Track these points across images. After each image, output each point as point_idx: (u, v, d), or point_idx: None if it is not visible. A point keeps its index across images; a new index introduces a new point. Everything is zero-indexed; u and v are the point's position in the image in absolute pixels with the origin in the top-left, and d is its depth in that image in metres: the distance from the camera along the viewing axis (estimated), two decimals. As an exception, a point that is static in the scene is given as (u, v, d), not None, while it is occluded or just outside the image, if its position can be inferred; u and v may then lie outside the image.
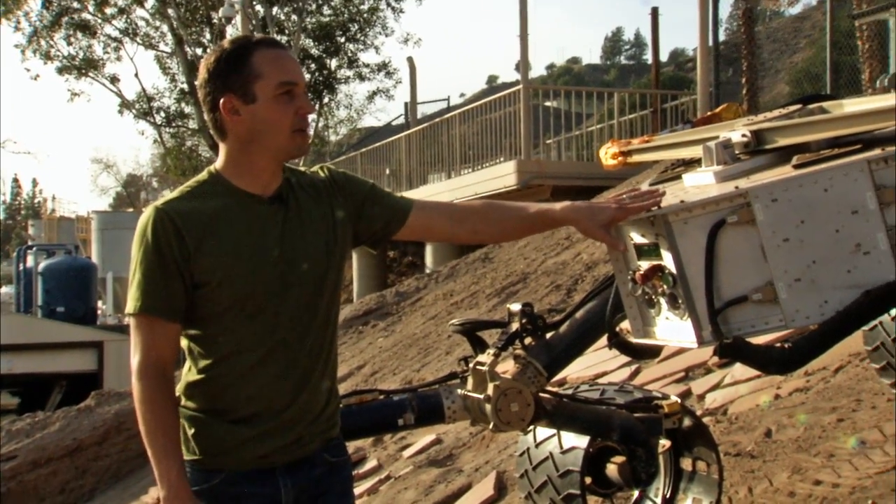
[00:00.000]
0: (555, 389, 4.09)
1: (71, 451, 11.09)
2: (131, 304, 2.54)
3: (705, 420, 4.91)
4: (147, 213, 2.54)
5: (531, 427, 4.11)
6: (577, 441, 4.12)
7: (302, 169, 2.80)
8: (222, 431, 2.61)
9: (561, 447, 4.17)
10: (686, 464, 4.32)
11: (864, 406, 5.04)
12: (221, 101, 2.51)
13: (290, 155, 2.61)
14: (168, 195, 2.64)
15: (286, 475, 2.66)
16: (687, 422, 4.30)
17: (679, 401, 4.34)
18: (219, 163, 2.63)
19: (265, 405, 2.62)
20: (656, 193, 2.81)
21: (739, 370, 6.11)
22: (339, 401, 2.93)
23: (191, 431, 2.60)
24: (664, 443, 4.25)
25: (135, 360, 2.52)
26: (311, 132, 3.32)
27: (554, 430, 4.16)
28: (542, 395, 3.87)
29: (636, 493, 4.42)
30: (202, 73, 2.57)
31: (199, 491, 2.56)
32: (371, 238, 2.86)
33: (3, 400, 19.23)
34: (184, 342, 2.64)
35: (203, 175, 2.65)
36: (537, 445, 4.26)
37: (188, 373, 2.65)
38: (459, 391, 3.89)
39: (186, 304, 2.55)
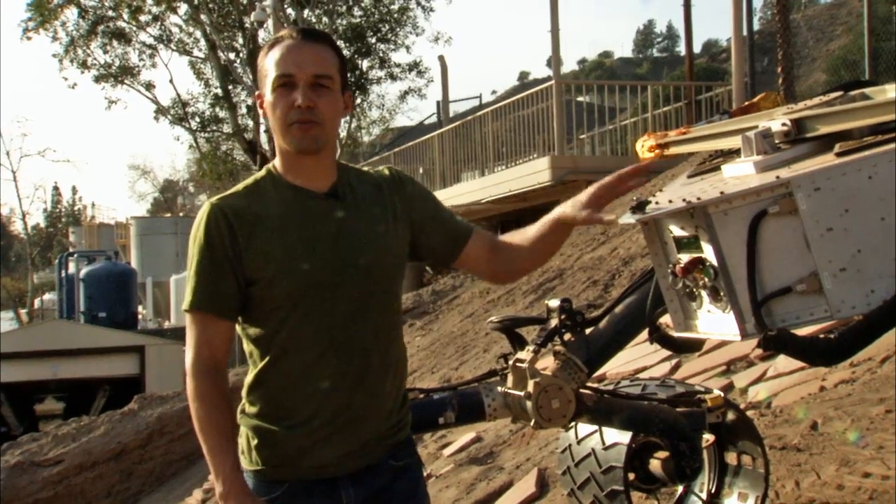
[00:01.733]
0: (595, 385, 4.07)
1: (116, 455, 11.19)
2: (186, 299, 2.55)
3: (749, 413, 4.86)
4: (203, 209, 2.56)
5: (572, 424, 4.10)
6: (620, 437, 4.11)
7: (365, 168, 2.79)
8: (282, 438, 2.58)
9: (603, 443, 4.16)
10: (731, 458, 4.30)
11: (907, 407, 4.99)
12: (257, 96, 2.62)
13: (294, 150, 2.56)
14: (227, 191, 2.65)
15: (349, 485, 2.62)
16: (731, 415, 4.27)
17: (722, 394, 4.31)
18: (277, 159, 2.65)
19: (321, 406, 2.57)
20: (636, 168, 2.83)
21: (783, 362, 6.06)
22: (408, 402, 2.86)
23: (253, 442, 2.59)
24: (708, 437, 4.23)
25: (188, 356, 2.53)
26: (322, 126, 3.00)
27: (595, 427, 4.15)
28: (582, 391, 3.85)
29: (680, 489, 4.40)
30: None
31: None
32: (429, 256, 2.86)
33: (48, 405, 19.41)
34: (246, 346, 2.62)
35: (262, 172, 2.66)
36: (579, 442, 4.25)
37: (249, 376, 2.62)
38: (499, 388, 3.88)
39: (241, 301, 2.54)
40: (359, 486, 2.63)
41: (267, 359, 2.57)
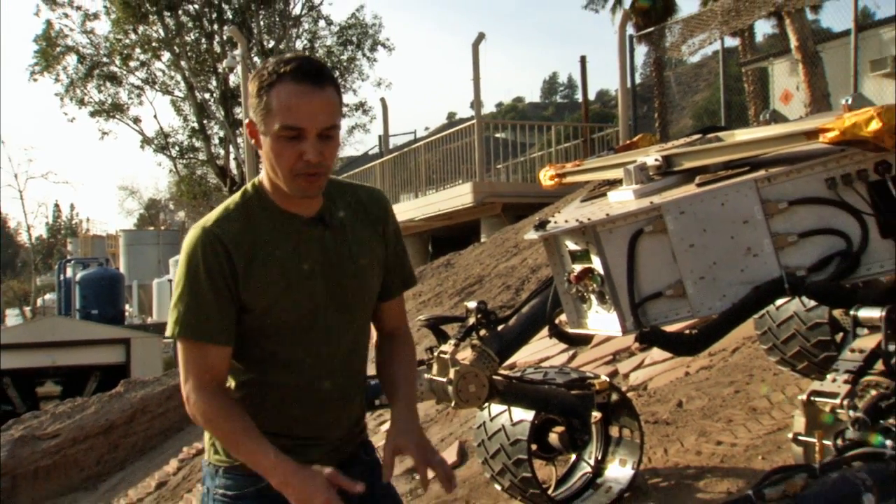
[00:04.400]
0: (505, 372, 4.08)
1: (105, 430, 11.02)
2: (179, 328, 2.08)
3: (629, 395, 4.91)
4: (195, 235, 2.12)
5: (486, 404, 4.11)
6: (525, 415, 4.11)
7: (356, 184, 2.35)
8: None
9: (511, 420, 4.16)
10: (614, 431, 4.34)
11: (755, 380, 5.08)
12: (246, 121, 2.11)
13: (298, 196, 2.10)
14: (214, 214, 2.16)
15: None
16: (614, 397, 4.32)
17: (608, 380, 4.36)
18: (262, 174, 2.17)
19: (296, 423, 2.22)
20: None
21: (657, 353, 6.13)
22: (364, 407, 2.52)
23: None
24: (596, 414, 4.26)
25: (187, 385, 2.09)
26: (326, 174, 2.13)
27: (505, 406, 4.15)
28: (495, 377, 3.86)
29: (574, 457, 4.42)
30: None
31: (247, 493, 2.17)
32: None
33: (48, 388, 19.17)
34: None
35: (249, 189, 2.18)
36: (492, 419, 4.25)
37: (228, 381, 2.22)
38: (426, 375, 3.87)
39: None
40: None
41: (245, 375, 2.20)
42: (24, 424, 11.43)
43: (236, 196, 2.19)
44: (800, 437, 2.52)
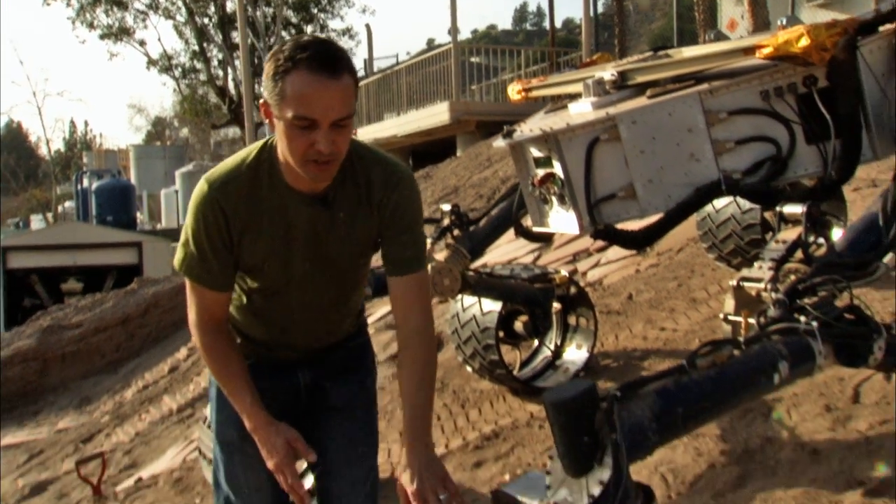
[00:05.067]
0: (477, 268, 4.13)
1: (122, 321, 11.08)
2: (185, 267, 2.05)
3: (586, 289, 4.99)
4: (201, 192, 2.00)
5: (459, 296, 4.16)
6: (493, 305, 4.16)
7: (378, 158, 2.09)
8: (244, 343, 2.21)
9: (481, 310, 4.21)
10: (571, 320, 4.41)
11: (696, 275, 5.16)
12: (261, 100, 1.91)
13: (309, 180, 1.95)
14: (222, 171, 2.02)
15: (306, 369, 2.26)
16: (572, 290, 4.38)
17: (567, 275, 4.42)
18: (279, 151, 1.97)
19: (283, 345, 2.22)
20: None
21: (612, 253, 6.21)
22: (364, 313, 2.43)
23: None
24: (556, 305, 4.34)
25: (191, 316, 2.07)
26: (337, 161, 1.88)
27: (476, 298, 4.20)
28: (467, 272, 3.91)
29: (536, 342, 4.50)
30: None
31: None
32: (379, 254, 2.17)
33: (71, 285, 19.29)
34: None
35: (262, 156, 2.01)
36: (464, 310, 4.30)
37: None
38: (406, 270, 3.92)
39: (234, 271, 2.07)
40: (315, 367, 2.26)
41: (237, 301, 2.16)
42: (50, 316, 11.49)
43: (250, 158, 2.01)
44: (729, 318, 2.59)
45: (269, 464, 2.00)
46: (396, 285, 2.11)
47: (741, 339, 1.94)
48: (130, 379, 9.71)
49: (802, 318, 1.99)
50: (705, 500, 2.92)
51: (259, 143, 2.05)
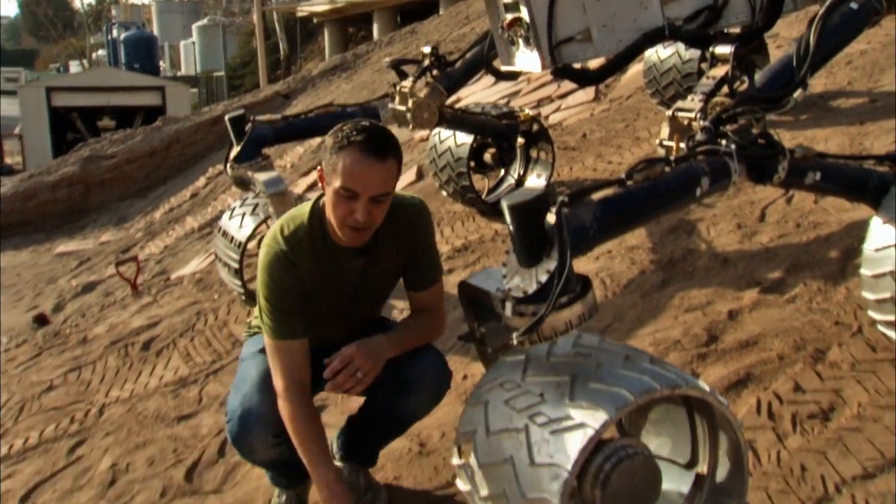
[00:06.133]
0: (452, 104, 4.06)
1: (149, 154, 10.95)
2: (278, 332, 1.93)
3: (548, 129, 4.95)
4: (273, 251, 1.94)
5: (437, 130, 4.12)
6: (466, 138, 4.14)
7: (398, 201, 2.00)
8: None
9: (455, 143, 4.19)
10: (533, 153, 4.38)
11: (641, 118, 5.12)
12: (320, 166, 1.90)
13: (344, 243, 1.93)
14: (286, 233, 1.96)
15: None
16: (535, 127, 4.33)
17: (531, 113, 4.36)
18: (326, 208, 1.93)
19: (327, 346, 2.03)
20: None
21: (571, 100, 6.12)
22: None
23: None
24: (520, 140, 4.30)
25: (280, 384, 1.92)
26: (371, 229, 1.92)
27: (451, 132, 4.17)
28: (443, 108, 3.85)
29: (502, 172, 4.48)
30: None
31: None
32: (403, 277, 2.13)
33: (105, 122, 19.09)
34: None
35: (313, 217, 1.97)
36: (441, 142, 4.27)
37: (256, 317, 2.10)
38: (390, 105, 3.85)
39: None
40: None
41: None
42: (89, 147, 11.37)
43: (303, 219, 1.97)
44: (664, 143, 2.59)
45: None
46: (419, 298, 2.10)
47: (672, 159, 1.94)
48: (158, 202, 9.70)
49: (723, 142, 1.99)
50: (635, 299, 3.03)
51: (308, 206, 2.00)
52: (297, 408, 1.88)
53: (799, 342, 2.49)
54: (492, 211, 4.28)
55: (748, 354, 2.49)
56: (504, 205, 1.70)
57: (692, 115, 2.57)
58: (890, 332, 2.28)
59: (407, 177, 5.70)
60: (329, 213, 1.91)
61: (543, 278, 1.66)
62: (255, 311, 2.11)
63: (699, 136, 2.06)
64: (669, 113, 2.60)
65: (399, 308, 3.19)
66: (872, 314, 2.28)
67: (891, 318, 2.21)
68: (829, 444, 2.07)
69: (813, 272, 2.86)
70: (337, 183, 1.84)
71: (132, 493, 2.64)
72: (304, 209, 2.00)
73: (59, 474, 2.90)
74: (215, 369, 3.46)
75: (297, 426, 1.87)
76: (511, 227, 1.71)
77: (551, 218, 1.68)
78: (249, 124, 3.65)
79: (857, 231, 2.97)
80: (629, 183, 1.85)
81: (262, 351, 2.04)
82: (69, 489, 2.78)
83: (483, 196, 4.34)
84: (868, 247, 2.22)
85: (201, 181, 9.49)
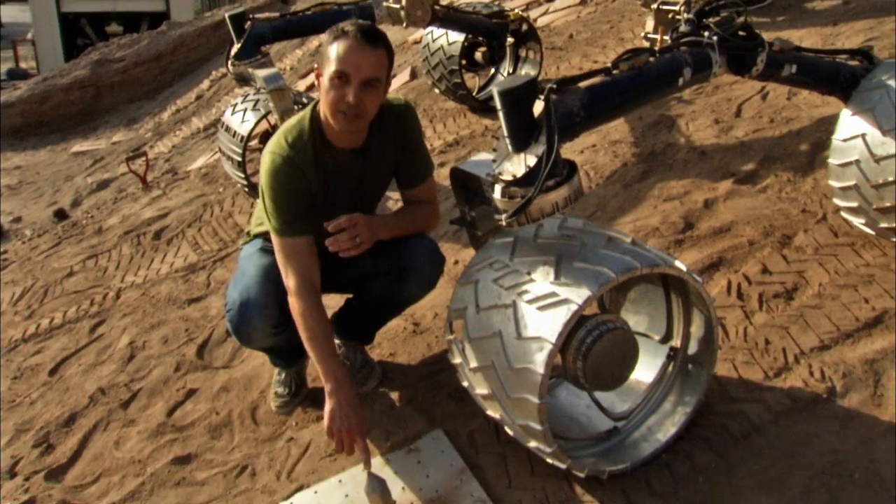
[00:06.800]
0: (444, 3, 3.85)
1: (156, 58, 10.54)
2: (287, 230, 1.84)
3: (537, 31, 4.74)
4: (278, 156, 1.85)
5: (430, 29, 3.94)
6: (458, 37, 3.98)
7: (386, 103, 1.93)
8: None
9: (447, 41, 4.02)
10: (522, 52, 4.21)
11: (626, 20, 4.91)
12: (317, 65, 1.83)
13: (337, 130, 1.84)
14: (289, 139, 1.87)
15: None
16: (524, 27, 4.15)
17: (521, 13, 4.15)
18: (320, 103, 1.86)
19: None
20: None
21: (559, 3, 5.85)
22: None
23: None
24: (510, 39, 4.12)
25: (291, 283, 1.82)
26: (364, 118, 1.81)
27: (443, 31, 3.99)
28: (436, 6, 3.65)
29: (492, 70, 4.32)
30: None
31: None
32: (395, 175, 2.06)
33: (113, 28, 18.43)
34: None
35: (311, 123, 1.88)
36: (434, 41, 4.10)
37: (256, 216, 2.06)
38: (384, 3, 3.64)
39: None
40: None
41: None
42: (98, 51, 10.94)
43: (304, 126, 1.88)
44: (649, 35, 2.45)
45: (338, 423, 1.74)
46: (413, 195, 2.04)
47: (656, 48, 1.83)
48: (166, 104, 9.42)
49: (706, 34, 1.88)
50: (617, 189, 2.96)
51: (307, 112, 1.90)
52: (308, 305, 1.80)
53: (768, 228, 2.44)
54: (482, 108, 4.15)
55: (721, 240, 2.45)
56: (494, 91, 1.60)
57: (676, 7, 2.41)
58: (852, 218, 2.24)
59: (401, 77, 5.50)
60: (323, 106, 1.84)
61: (532, 162, 1.58)
62: (254, 221, 2.07)
63: (682, 28, 1.94)
64: (654, 6, 2.44)
65: (394, 199, 3.12)
66: (837, 201, 2.22)
67: (854, 204, 2.16)
68: (792, 321, 2.06)
69: (784, 164, 2.78)
70: (332, 68, 1.77)
71: (149, 367, 2.64)
72: (303, 116, 1.92)
73: (83, 350, 2.90)
74: (221, 256, 3.42)
75: (307, 322, 1.79)
76: (501, 113, 1.61)
77: (540, 104, 1.59)
78: (249, 22, 3.45)
79: (827, 126, 2.88)
80: (615, 72, 1.75)
81: (262, 250, 2.01)
82: (92, 363, 2.78)
83: (474, 93, 4.19)
84: (836, 137, 2.15)
85: (205, 84, 9.19)
